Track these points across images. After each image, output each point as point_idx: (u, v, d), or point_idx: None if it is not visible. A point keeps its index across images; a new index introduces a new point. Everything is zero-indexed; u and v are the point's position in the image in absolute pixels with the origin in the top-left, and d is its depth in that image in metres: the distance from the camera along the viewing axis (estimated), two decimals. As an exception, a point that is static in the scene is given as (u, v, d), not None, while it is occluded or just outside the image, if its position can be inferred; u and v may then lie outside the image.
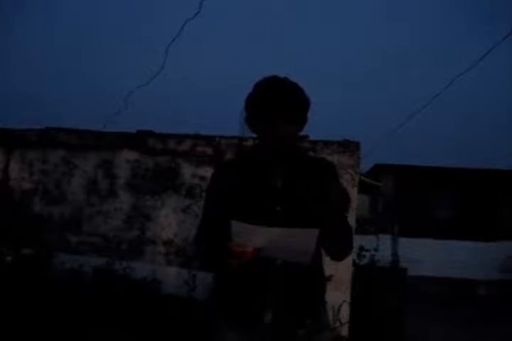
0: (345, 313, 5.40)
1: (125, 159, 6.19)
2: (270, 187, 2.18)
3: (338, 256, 2.28)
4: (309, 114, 2.23)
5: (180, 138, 6.14)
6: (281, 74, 2.22)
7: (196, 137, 6.15)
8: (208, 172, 5.78)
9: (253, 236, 1.99)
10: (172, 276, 5.77)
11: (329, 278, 4.93)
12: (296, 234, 1.99)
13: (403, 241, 14.66)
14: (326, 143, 5.75)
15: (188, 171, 6.02)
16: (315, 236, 1.97)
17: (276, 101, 2.11)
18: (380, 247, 11.43)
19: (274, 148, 2.17)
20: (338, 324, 5.26)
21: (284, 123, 2.12)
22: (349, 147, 5.71)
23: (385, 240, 14.55)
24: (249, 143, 5.74)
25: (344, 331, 5.39)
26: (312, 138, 5.70)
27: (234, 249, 2.00)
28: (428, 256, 14.10)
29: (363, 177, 12.29)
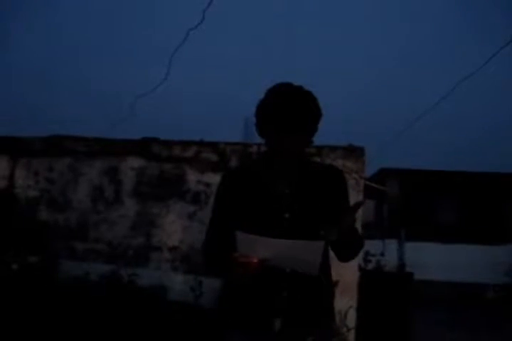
0: (351, 318, 5.38)
1: (130, 166, 6.20)
2: (278, 195, 2.17)
3: (346, 259, 2.28)
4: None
5: (185, 144, 6.14)
6: (279, 80, 2.20)
7: (201, 143, 6.15)
8: (212, 178, 5.78)
9: (258, 247, 1.98)
10: (178, 283, 5.76)
11: (335, 284, 4.91)
12: (302, 247, 1.98)
13: (409, 245, 14.62)
14: (332, 148, 5.75)
15: (193, 178, 6.02)
16: (321, 249, 1.96)
17: (287, 112, 2.07)
18: (386, 252, 11.40)
19: (281, 157, 2.16)
20: (344, 329, 5.24)
21: (292, 134, 2.10)
22: (354, 152, 5.71)
23: (391, 245, 14.51)
24: (254, 149, 5.74)
25: (351, 336, 5.37)
26: (317, 142, 5.69)
27: (239, 259, 1.99)
28: (435, 260, 14.05)
29: (368, 182, 12.27)
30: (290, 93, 2.12)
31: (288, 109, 2.08)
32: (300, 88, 2.15)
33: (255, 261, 1.98)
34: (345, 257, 2.26)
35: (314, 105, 2.15)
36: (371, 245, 8.93)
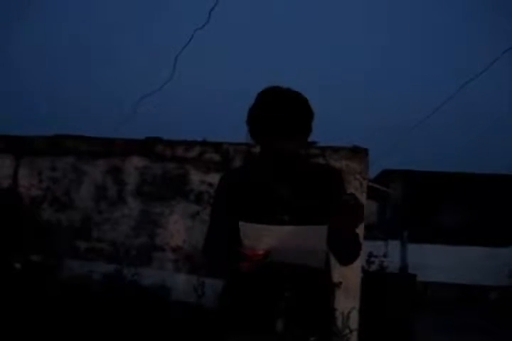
0: (354, 320, 5.37)
1: (134, 166, 6.20)
2: (276, 197, 2.16)
3: (345, 262, 2.27)
4: (316, 122, 2.19)
5: (189, 144, 6.14)
6: (282, 81, 2.17)
7: (204, 144, 6.15)
8: (216, 178, 5.74)
9: (263, 236, 1.99)
10: (181, 283, 5.76)
11: (338, 285, 4.91)
12: (305, 232, 1.98)
13: (412, 246, 14.60)
14: (335, 149, 5.74)
15: (196, 178, 6.02)
16: (324, 233, 1.96)
17: (277, 120, 2.06)
18: (389, 253, 11.41)
19: (277, 163, 2.16)
20: (347, 331, 5.23)
21: (285, 139, 2.09)
22: (358, 153, 5.70)
23: (394, 246, 14.49)
24: (258, 149, 5.73)
25: (353, 338, 5.36)
26: (321, 143, 5.70)
27: (245, 252, 1.99)
28: (437, 262, 14.02)
29: (371, 183, 12.26)
30: (279, 96, 2.11)
31: (278, 112, 2.06)
32: (288, 90, 2.14)
33: (260, 252, 1.99)
34: (342, 258, 2.24)
35: (304, 106, 2.14)
36: (374, 246, 8.93)
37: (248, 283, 2.13)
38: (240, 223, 1.97)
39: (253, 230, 1.98)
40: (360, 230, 5.26)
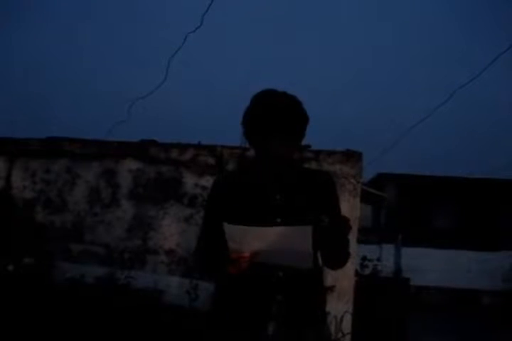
0: (347, 324, 5.37)
1: (128, 168, 6.19)
2: (269, 201, 2.17)
3: (332, 266, 2.28)
4: (309, 125, 2.22)
5: (183, 147, 6.14)
6: (280, 85, 2.21)
7: (198, 147, 6.15)
8: (209, 182, 5.77)
9: (248, 238, 1.98)
10: (174, 286, 5.75)
11: (332, 289, 4.91)
12: (290, 232, 1.97)
13: (406, 250, 14.62)
14: (329, 153, 5.74)
15: (190, 181, 6.01)
16: (309, 233, 1.95)
17: (274, 121, 2.09)
18: (383, 257, 11.42)
19: (271, 165, 2.17)
20: (340, 335, 5.23)
21: (280, 142, 2.12)
22: (352, 157, 5.70)
23: (388, 250, 14.51)
24: (252, 153, 5.73)
25: (346, 341, 5.36)
26: (315, 147, 5.70)
27: (231, 255, 1.99)
28: (431, 266, 14.06)
29: (365, 187, 12.26)
30: (276, 98, 2.14)
31: (275, 113, 2.10)
32: (284, 93, 2.18)
33: (247, 255, 1.99)
34: (330, 263, 2.25)
35: (299, 110, 2.18)
36: (368, 250, 8.95)
37: (239, 286, 2.13)
38: (225, 225, 1.97)
39: (238, 232, 1.97)
40: (354, 234, 5.28)
